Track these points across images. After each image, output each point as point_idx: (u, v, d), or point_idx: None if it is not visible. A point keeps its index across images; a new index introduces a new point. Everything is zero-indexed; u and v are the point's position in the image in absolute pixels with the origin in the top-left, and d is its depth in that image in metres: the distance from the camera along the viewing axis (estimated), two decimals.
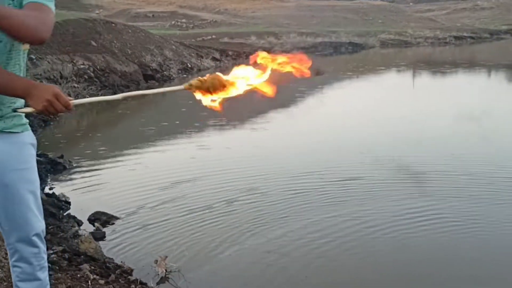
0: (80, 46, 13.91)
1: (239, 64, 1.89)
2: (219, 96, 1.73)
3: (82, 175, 6.29)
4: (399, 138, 8.18)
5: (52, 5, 1.71)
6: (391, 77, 18.25)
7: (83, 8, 29.39)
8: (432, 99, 12.68)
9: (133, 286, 3.43)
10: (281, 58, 1.77)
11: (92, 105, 11.72)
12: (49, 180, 6.01)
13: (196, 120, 9.74)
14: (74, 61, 12.85)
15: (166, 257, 3.82)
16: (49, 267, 3.29)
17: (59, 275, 3.27)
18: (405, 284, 3.75)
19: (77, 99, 1.76)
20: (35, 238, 1.89)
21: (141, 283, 3.50)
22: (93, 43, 14.63)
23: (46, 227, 4.21)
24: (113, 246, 4.25)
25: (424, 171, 6.27)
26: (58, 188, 5.70)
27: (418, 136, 8.23)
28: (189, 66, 18.23)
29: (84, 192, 5.67)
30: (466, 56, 26.39)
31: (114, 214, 4.83)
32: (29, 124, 1.91)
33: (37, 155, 6.49)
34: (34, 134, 1.97)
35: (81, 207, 5.08)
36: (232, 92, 1.74)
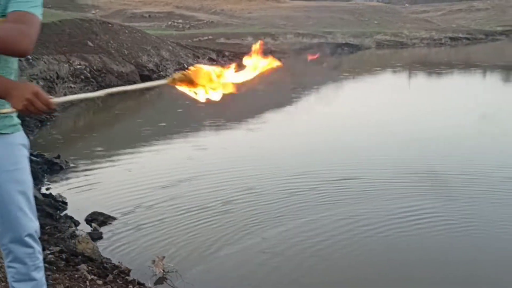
0: (77, 46, 13.90)
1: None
2: (203, 89, 1.71)
3: (79, 175, 6.30)
4: (394, 139, 8.23)
5: (37, 11, 1.69)
6: (387, 78, 18.32)
7: (79, 8, 29.34)
8: (427, 99, 12.75)
9: (130, 286, 3.44)
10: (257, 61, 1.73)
11: (89, 106, 11.72)
12: (45, 180, 6.01)
13: (193, 120, 9.76)
14: (71, 61, 12.84)
15: (164, 257, 3.84)
16: (46, 267, 3.32)
17: (57, 275, 3.28)
18: (399, 283, 3.79)
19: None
20: (27, 239, 1.90)
21: (139, 283, 3.51)
22: (90, 43, 14.62)
23: (43, 228, 4.24)
24: (110, 246, 4.27)
25: (418, 171, 6.31)
26: (55, 189, 5.71)
27: (413, 136, 8.28)
28: (186, 66, 18.22)
29: (81, 192, 5.68)
30: (461, 57, 26.49)
31: (111, 214, 4.85)
32: (25, 124, 1.91)
33: (34, 155, 6.51)
34: (31, 134, 1.99)
35: (78, 207, 5.09)
36: (217, 85, 1.70)
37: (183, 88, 1.72)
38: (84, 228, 4.55)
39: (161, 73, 16.27)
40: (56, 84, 11.32)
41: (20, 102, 1.59)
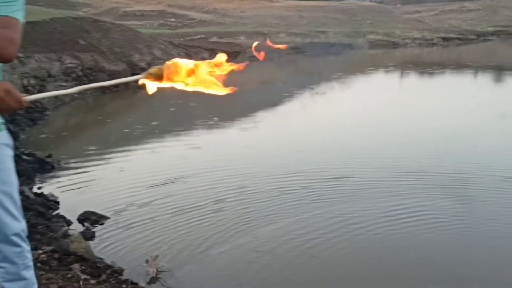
0: (68, 44, 13.81)
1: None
2: (178, 82, 1.70)
3: (71, 174, 6.28)
4: (386, 138, 8.27)
5: (20, 16, 1.69)
6: (379, 78, 18.40)
7: (71, 6, 29.11)
8: (419, 99, 12.82)
9: (124, 285, 3.44)
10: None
11: (80, 105, 11.67)
12: (37, 179, 5.98)
13: (185, 119, 9.76)
14: (62, 60, 12.77)
15: (157, 256, 3.85)
16: (39, 267, 3.31)
17: (50, 275, 3.28)
18: (390, 281, 3.81)
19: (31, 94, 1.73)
20: (15, 238, 1.89)
21: (132, 282, 3.51)
22: (81, 41, 14.54)
23: (35, 227, 4.22)
24: (103, 246, 4.26)
25: (410, 170, 6.36)
26: (47, 188, 5.68)
27: (405, 136, 8.35)
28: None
29: (73, 191, 5.67)
30: (453, 57, 26.64)
31: (104, 214, 4.85)
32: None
33: (25, 154, 6.46)
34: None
35: (70, 206, 5.08)
36: (193, 79, 1.70)
37: (158, 84, 1.69)
38: (76, 228, 4.55)
39: None
40: (48, 82, 11.26)
41: None
